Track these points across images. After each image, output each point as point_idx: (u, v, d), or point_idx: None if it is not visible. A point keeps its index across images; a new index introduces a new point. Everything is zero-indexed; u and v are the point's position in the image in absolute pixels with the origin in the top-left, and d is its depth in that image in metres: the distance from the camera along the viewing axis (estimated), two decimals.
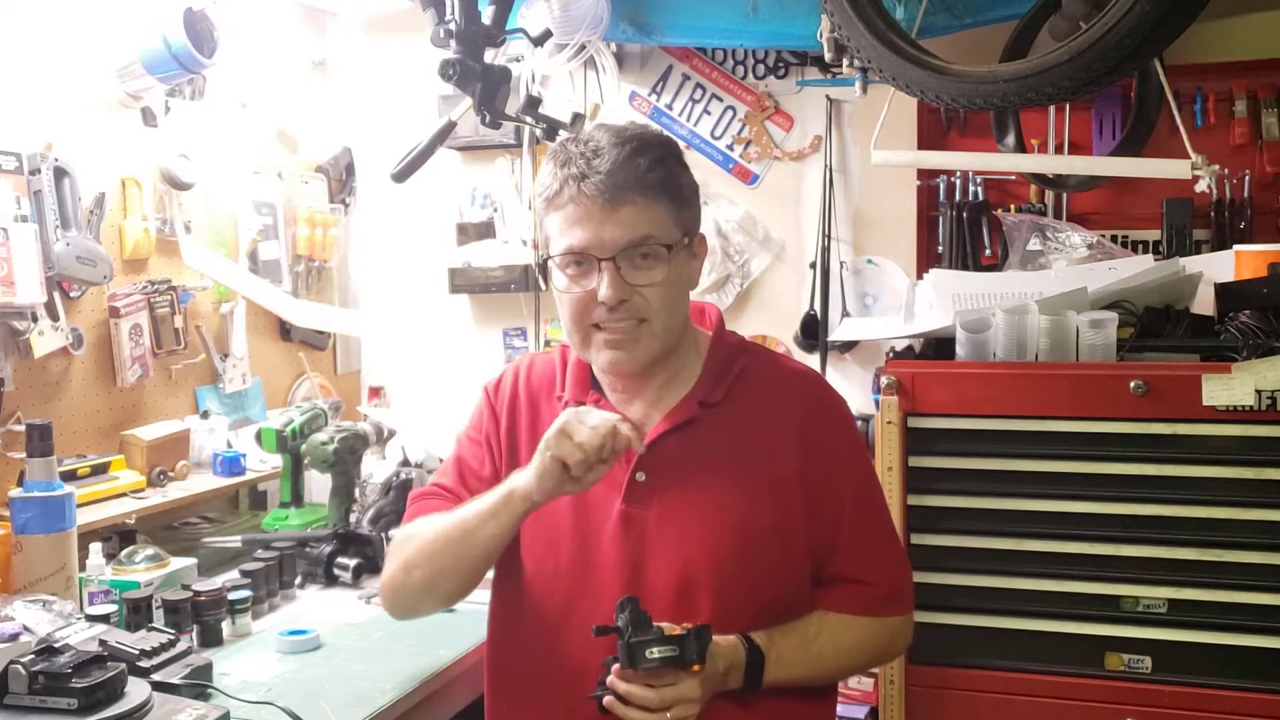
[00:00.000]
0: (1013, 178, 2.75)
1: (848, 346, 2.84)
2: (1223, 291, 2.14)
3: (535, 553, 1.52)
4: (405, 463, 2.57)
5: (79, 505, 2.02)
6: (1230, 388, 1.89)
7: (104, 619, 1.72)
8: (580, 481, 1.38)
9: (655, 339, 1.47)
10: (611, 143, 1.45)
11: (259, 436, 2.47)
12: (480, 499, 1.48)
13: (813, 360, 2.82)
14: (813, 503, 1.49)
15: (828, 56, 2.40)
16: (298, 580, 2.15)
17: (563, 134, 2.36)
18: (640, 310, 1.45)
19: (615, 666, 1.35)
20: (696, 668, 1.35)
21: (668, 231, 1.46)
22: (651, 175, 1.44)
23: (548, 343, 3.10)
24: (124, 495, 2.30)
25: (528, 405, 1.59)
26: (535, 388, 1.60)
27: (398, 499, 2.33)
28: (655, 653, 1.34)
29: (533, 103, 2.55)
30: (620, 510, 1.47)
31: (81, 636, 1.58)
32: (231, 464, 2.54)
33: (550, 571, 1.50)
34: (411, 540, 1.54)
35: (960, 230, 2.70)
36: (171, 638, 1.65)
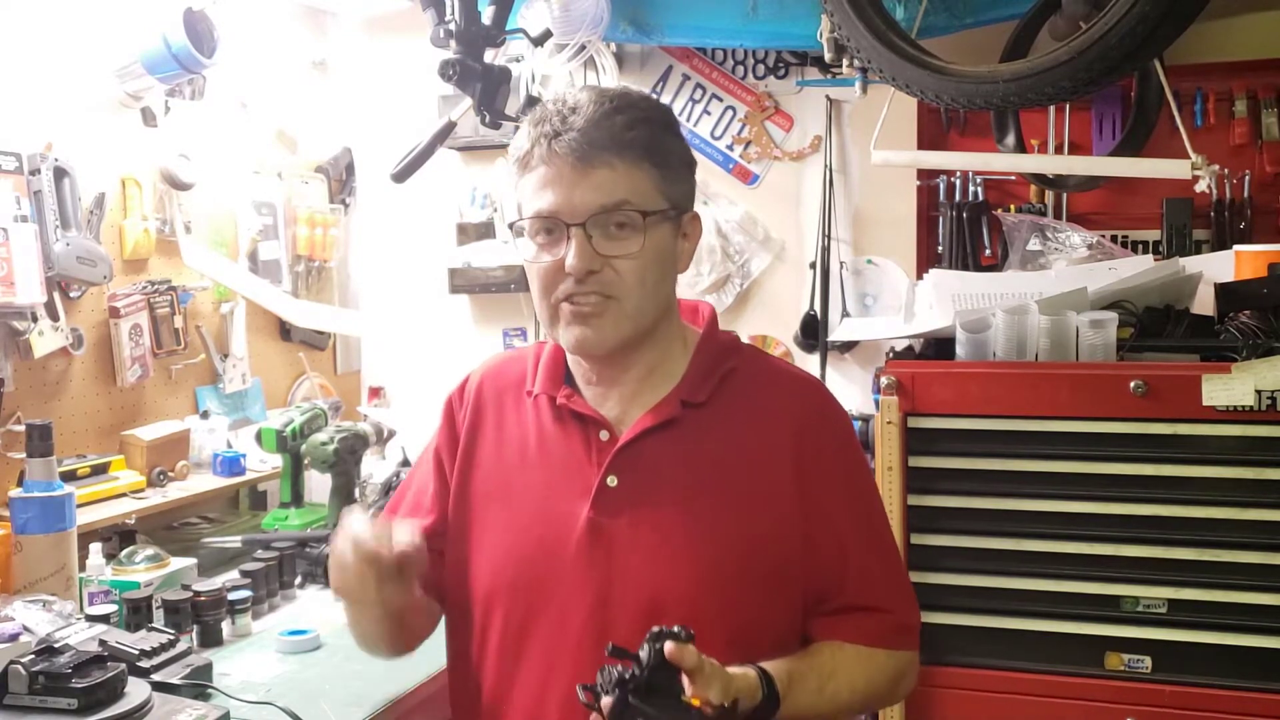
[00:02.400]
0: (1013, 178, 2.75)
1: (848, 346, 2.84)
2: (1223, 291, 2.14)
3: (492, 564, 1.38)
4: (405, 463, 2.56)
5: (79, 505, 2.01)
6: (1230, 388, 1.89)
7: (104, 619, 1.72)
8: (369, 594, 1.26)
9: (625, 318, 1.31)
10: (591, 100, 1.30)
11: (259, 436, 2.47)
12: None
13: (813, 360, 2.82)
14: (810, 523, 1.35)
15: (828, 56, 2.40)
16: (298, 580, 2.15)
17: None
18: (610, 285, 1.30)
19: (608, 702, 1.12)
20: None
21: (647, 198, 1.30)
22: (630, 134, 1.28)
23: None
24: (124, 495, 2.30)
25: (494, 404, 1.47)
26: (503, 386, 1.47)
27: None
28: None
29: (533, 103, 2.56)
30: (588, 518, 1.32)
31: (81, 636, 1.57)
32: (231, 464, 2.54)
33: (507, 585, 1.36)
34: None
35: (960, 230, 2.71)
36: (171, 638, 1.64)
